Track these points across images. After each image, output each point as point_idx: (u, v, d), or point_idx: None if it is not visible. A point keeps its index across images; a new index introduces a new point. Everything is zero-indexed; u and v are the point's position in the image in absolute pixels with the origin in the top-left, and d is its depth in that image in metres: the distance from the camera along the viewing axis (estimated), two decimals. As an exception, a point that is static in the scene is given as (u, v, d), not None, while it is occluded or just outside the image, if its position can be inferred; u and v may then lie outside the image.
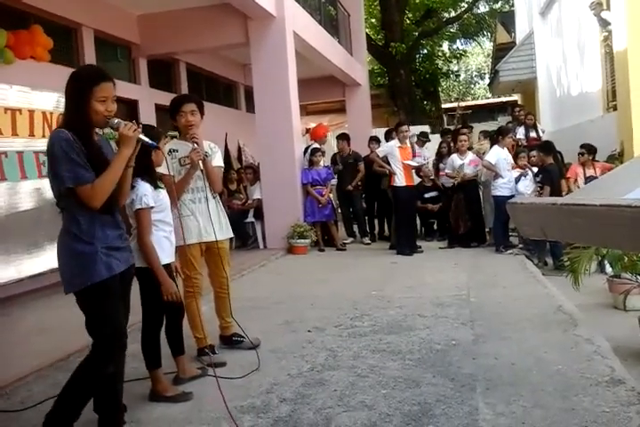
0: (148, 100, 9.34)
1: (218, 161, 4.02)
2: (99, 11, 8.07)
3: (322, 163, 9.02)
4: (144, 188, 3.19)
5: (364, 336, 4.23)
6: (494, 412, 2.86)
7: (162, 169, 3.58)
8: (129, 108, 8.69)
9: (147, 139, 2.68)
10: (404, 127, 8.02)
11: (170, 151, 3.82)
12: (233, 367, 3.73)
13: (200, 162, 3.73)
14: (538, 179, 7.45)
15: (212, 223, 3.79)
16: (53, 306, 5.08)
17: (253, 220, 9.04)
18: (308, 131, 15.00)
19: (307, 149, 9.16)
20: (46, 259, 5.45)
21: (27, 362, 3.88)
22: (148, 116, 9.16)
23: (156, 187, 3.28)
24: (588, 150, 7.86)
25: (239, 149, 11.92)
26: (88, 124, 2.56)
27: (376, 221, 9.78)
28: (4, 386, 3.52)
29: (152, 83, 9.59)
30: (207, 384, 3.40)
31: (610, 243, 1.32)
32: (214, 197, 3.92)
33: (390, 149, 7.99)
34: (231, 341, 4.13)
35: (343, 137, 9.64)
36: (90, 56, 8.03)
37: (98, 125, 2.61)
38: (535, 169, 7.65)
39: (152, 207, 3.20)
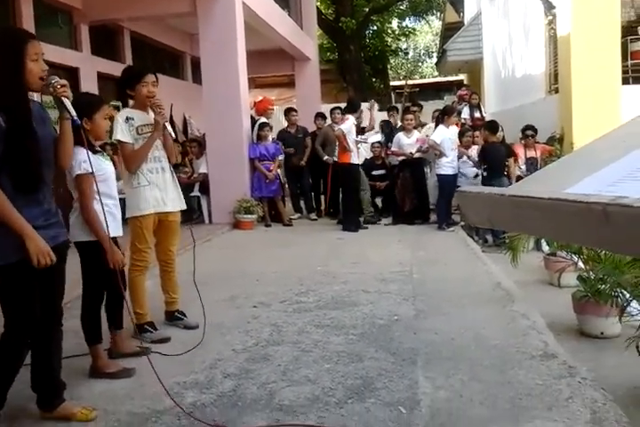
0: (90, 67, 9.01)
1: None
2: (38, -28, 7.67)
3: (270, 138, 8.92)
4: (83, 153, 3.06)
5: (308, 312, 4.27)
6: (433, 385, 2.95)
7: (121, 136, 3.48)
8: (69, 76, 8.33)
9: (72, 110, 2.53)
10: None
11: (127, 119, 3.72)
12: (176, 343, 3.70)
13: (166, 125, 3.66)
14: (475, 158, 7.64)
15: (168, 194, 3.74)
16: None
17: (199, 194, 8.90)
18: (255, 104, 14.82)
19: (254, 123, 9.04)
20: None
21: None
22: (89, 84, 8.83)
23: (94, 152, 3.14)
24: (535, 132, 8.08)
25: (185, 122, 11.67)
26: (22, 87, 2.39)
27: (322, 198, 9.81)
28: None
29: (94, 50, 9.24)
30: (151, 360, 3.37)
31: (555, 235, 1.36)
32: (170, 168, 3.86)
33: (349, 127, 7.97)
34: (174, 317, 4.10)
35: (291, 111, 9.54)
36: (28, 20, 7.63)
37: (32, 88, 2.43)
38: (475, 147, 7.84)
39: (92, 173, 3.07)
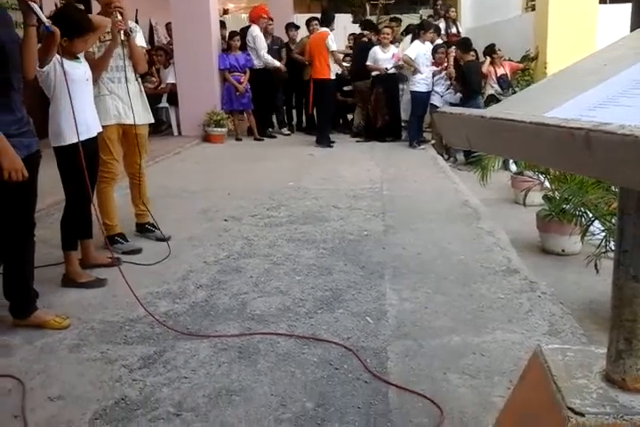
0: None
1: (140, 41, 3.80)
2: None
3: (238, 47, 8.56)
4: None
5: (279, 226, 4.31)
6: (400, 297, 3.06)
7: None
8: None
9: (42, 16, 2.40)
10: None
11: None
12: (148, 255, 3.73)
13: (122, 36, 3.47)
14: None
15: (131, 106, 3.62)
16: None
17: (167, 105, 8.67)
18: (225, 12, 14.14)
19: (245, 30, 8.65)
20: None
21: None
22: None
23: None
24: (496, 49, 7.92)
25: (151, 28, 11.11)
26: None
27: (294, 112, 9.64)
28: None
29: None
30: (123, 271, 3.40)
31: (534, 159, 1.35)
32: (136, 79, 3.73)
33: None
34: (144, 229, 4.10)
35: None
36: None
37: None
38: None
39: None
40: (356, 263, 3.54)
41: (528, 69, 8.18)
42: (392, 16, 11.33)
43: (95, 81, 3.53)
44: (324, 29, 7.96)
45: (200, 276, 3.39)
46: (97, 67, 3.49)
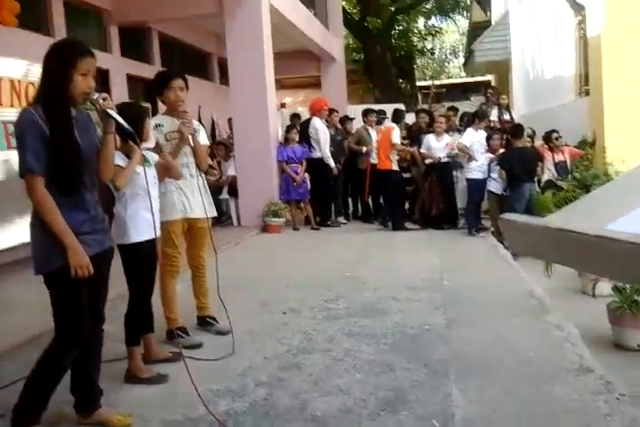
0: (120, 69, 9.08)
1: (203, 139, 3.99)
2: (69, -25, 7.78)
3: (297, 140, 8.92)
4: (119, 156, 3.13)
5: (338, 319, 4.26)
6: (467, 398, 2.93)
7: (148, 143, 3.52)
8: (100, 78, 8.43)
9: (122, 121, 2.59)
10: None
11: (155, 126, 3.77)
12: (208, 349, 3.73)
13: (190, 137, 3.67)
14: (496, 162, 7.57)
15: (196, 201, 3.77)
16: (27, 281, 4.97)
17: (228, 196, 8.97)
18: (282, 105, 14.85)
19: (304, 122, 9.06)
20: (17, 232, 5.31)
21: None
22: (119, 86, 8.92)
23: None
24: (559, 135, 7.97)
25: (212, 124, 11.74)
26: (66, 99, 2.46)
27: (350, 200, 9.79)
28: (-25, 365, 3.46)
29: (124, 52, 9.31)
30: (183, 367, 3.38)
31: (603, 272, 1.32)
32: (200, 175, 3.89)
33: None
34: (205, 322, 4.13)
35: (332, 112, 9.57)
36: (59, 22, 7.74)
37: (76, 102, 2.50)
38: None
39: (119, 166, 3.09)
40: (418, 360, 3.43)
41: (587, 155, 8.14)
42: (449, 105, 11.60)
43: (162, 180, 3.70)
44: (392, 125, 8.41)
45: (260, 372, 3.34)
46: (165, 169, 3.66)
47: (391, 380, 3.18)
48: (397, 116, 8.76)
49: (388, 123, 8.97)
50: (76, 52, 2.46)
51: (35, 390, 2.58)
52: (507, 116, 10.24)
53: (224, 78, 11.37)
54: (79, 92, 2.45)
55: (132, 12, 8.92)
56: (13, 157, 5.17)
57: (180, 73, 3.89)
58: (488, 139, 7.95)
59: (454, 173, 8.41)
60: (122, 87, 8.99)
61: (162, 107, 4.16)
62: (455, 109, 10.36)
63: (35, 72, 5.39)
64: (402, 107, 10.89)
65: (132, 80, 9.37)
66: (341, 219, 9.27)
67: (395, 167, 8.27)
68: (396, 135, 8.23)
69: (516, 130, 7.65)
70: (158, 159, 3.48)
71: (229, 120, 9.65)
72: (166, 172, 3.54)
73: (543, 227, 1.20)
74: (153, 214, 3.25)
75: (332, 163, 8.73)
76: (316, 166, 8.79)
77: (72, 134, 2.48)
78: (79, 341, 2.57)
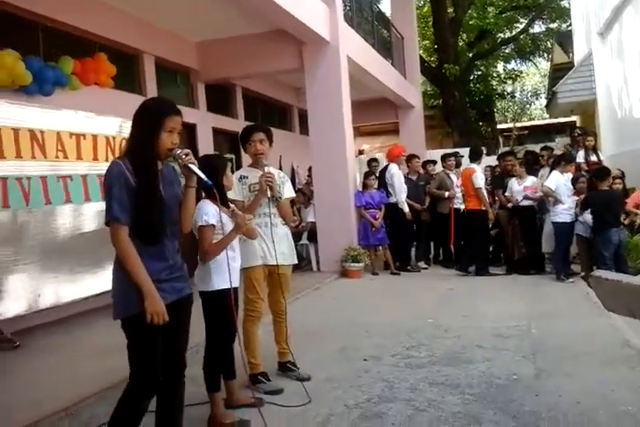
0: (206, 123, 9.57)
1: (289, 191, 4.08)
2: (159, 38, 8.38)
3: (375, 186, 8.98)
4: (207, 208, 3.26)
5: (421, 367, 4.15)
6: (560, 454, 2.75)
7: (232, 194, 3.66)
8: (188, 132, 8.90)
9: (202, 174, 2.71)
10: None
11: (240, 177, 3.92)
12: (289, 395, 3.71)
13: (268, 189, 3.77)
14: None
15: (276, 247, 3.83)
16: (118, 325, 5.17)
17: (307, 242, 9.08)
18: (361, 152, 15.06)
19: (382, 169, 9.22)
20: (108, 278, 5.56)
21: (90, 382, 3.95)
22: (205, 139, 9.38)
23: (227, 206, 3.35)
24: None
25: (293, 171, 12.03)
26: (152, 154, 2.59)
27: (431, 245, 9.68)
28: (70, 406, 3.59)
29: (210, 107, 9.83)
30: (264, 413, 3.37)
31: None
32: (283, 224, 3.98)
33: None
34: (286, 368, 4.12)
35: (414, 158, 9.71)
36: (151, 82, 8.31)
37: (160, 157, 2.63)
38: None
39: (213, 226, 3.24)
40: (506, 412, 3.27)
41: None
42: (544, 145, 11.29)
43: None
44: (473, 166, 8.32)
45: (340, 421, 3.28)
46: (239, 227, 3.74)
47: (477, 432, 3.04)
48: (475, 154, 8.58)
49: (466, 163, 8.90)
50: (163, 111, 2.61)
51: None
52: (594, 158, 9.89)
53: (304, 128, 11.71)
54: (164, 148, 2.59)
55: (218, 70, 9.45)
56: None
57: (263, 127, 4.05)
58: (574, 181, 7.69)
59: (538, 216, 8.14)
60: (208, 140, 9.44)
61: (247, 160, 4.32)
62: (549, 149, 10.06)
63: (127, 129, 5.77)
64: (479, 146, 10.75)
65: (217, 133, 9.83)
66: (422, 263, 9.16)
67: (483, 207, 8.13)
68: (477, 179, 8.11)
69: (599, 172, 7.35)
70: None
71: (309, 168, 9.87)
72: (240, 229, 3.54)
73: (636, 286, 1.14)
74: (237, 263, 3.35)
75: (405, 208, 8.72)
76: (393, 211, 8.78)
77: (156, 187, 2.61)
78: (151, 387, 2.60)
